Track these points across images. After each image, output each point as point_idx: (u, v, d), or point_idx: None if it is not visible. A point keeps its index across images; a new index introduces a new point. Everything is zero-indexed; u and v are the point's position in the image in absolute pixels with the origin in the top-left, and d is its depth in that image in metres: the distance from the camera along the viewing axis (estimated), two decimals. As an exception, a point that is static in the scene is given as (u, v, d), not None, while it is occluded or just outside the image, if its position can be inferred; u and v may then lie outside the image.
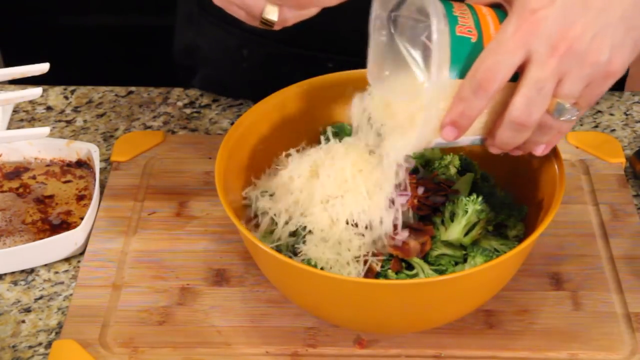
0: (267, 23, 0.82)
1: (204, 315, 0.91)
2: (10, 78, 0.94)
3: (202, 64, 1.25)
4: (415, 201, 0.88)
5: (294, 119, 0.98)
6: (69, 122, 1.16)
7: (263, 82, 1.01)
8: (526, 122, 0.78)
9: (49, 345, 0.90)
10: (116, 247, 0.98)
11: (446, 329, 0.89)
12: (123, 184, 1.05)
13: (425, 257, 0.88)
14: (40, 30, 2.04)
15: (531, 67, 0.75)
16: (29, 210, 1.02)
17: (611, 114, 1.17)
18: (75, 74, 1.37)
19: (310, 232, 0.87)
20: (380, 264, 0.85)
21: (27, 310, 0.93)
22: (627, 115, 1.17)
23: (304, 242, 0.87)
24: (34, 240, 0.97)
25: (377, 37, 0.82)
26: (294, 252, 0.88)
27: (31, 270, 0.97)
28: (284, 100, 0.97)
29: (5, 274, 0.97)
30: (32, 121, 1.16)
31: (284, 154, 0.96)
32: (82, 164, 1.08)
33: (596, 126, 1.15)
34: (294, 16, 0.82)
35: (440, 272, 0.87)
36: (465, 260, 0.87)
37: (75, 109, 1.18)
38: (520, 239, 0.90)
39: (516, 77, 0.77)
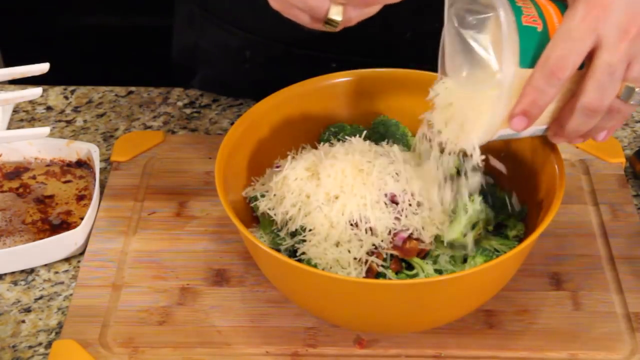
0: (331, 24, 0.81)
1: (204, 315, 0.91)
2: (10, 78, 0.94)
3: (202, 65, 1.24)
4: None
5: (294, 119, 0.98)
6: (69, 122, 1.16)
7: (265, 83, 1.01)
8: (598, 108, 0.78)
9: (49, 345, 0.90)
10: (116, 247, 0.98)
11: (446, 329, 0.89)
12: (123, 184, 1.05)
13: (425, 257, 0.88)
14: (40, 30, 2.04)
15: (602, 52, 0.76)
16: (29, 210, 1.02)
17: (611, 114, 1.16)
18: (75, 74, 1.37)
19: (310, 232, 0.87)
20: (380, 264, 0.85)
21: (27, 310, 0.93)
22: (627, 115, 1.17)
23: (304, 242, 0.87)
24: (34, 240, 0.97)
25: (448, 31, 0.82)
26: (294, 252, 0.88)
27: (31, 270, 0.97)
28: (284, 101, 0.97)
29: (5, 274, 0.97)
30: (32, 121, 1.16)
31: (284, 154, 0.96)
32: (82, 164, 1.08)
33: (596, 126, 1.15)
34: (358, 15, 0.81)
35: (440, 272, 0.87)
36: (465, 260, 0.87)
37: (75, 109, 1.18)
38: (520, 239, 0.90)
39: (581, 65, 0.78)
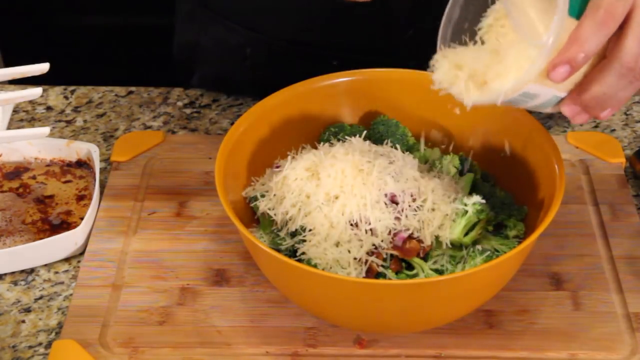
0: None
1: (204, 315, 0.91)
2: (10, 78, 0.94)
3: (202, 62, 1.24)
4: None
5: (294, 119, 0.98)
6: (69, 122, 1.16)
7: (265, 81, 1.01)
8: (635, 67, 0.78)
9: (49, 345, 0.90)
10: (116, 247, 0.98)
11: (446, 329, 0.89)
12: (123, 184, 1.05)
13: (425, 257, 0.88)
14: (40, 30, 2.04)
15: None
16: (29, 210, 1.02)
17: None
18: (75, 74, 1.37)
19: (310, 232, 0.87)
20: (380, 264, 0.85)
21: (27, 310, 0.93)
22: (627, 115, 1.17)
23: (304, 242, 0.87)
24: (34, 240, 0.97)
25: None
26: (294, 252, 0.88)
27: (31, 270, 0.97)
28: (284, 101, 0.97)
29: (5, 274, 0.97)
30: (32, 121, 1.16)
31: (284, 154, 0.96)
32: (82, 164, 1.08)
33: (596, 126, 1.15)
34: None
35: (440, 272, 0.87)
36: (465, 261, 0.87)
37: (75, 109, 1.18)
38: (520, 239, 0.90)
39: None
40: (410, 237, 0.86)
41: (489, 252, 0.86)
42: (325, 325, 0.90)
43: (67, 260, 0.98)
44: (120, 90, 1.21)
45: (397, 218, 0.86)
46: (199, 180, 1.06)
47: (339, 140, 0.96)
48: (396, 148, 0.94)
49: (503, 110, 0.96)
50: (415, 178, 0.89)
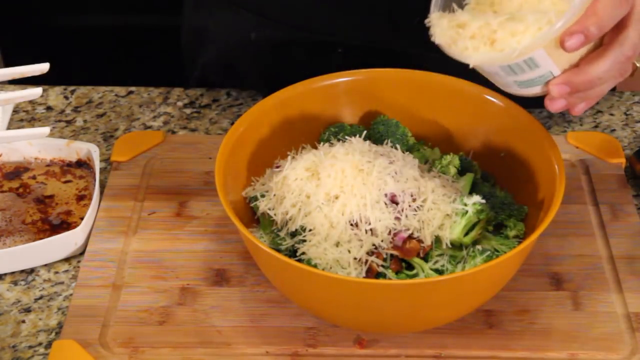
0: None
1: (204, 315, 0.91)
2: (10, 78, 0.94)
3: (208, 48, 1.24)
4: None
5: (294, 119, 0.98)
6: (69, 122, 1.16)
7: (268, 68, 1.00)
8: (632, 57, 0.81)
9: (49, 345, 0.90)
10: (116, 247, 0.98)
11: (446, 329, 0.89)
12: (123, 184, 1.05)
13: (425, 257, 0.88)
14: (40, 30, 2.04)
15: None
16: (29, 210, 1.02)
17: (611, 114, 1.17)
18: (75, 74, 1.37)
19: (310, 232, 0.87)
20: (380, 264, 0.85)
21: (27, 310, 0.93)
22: (627, 115, 1.17)
23: (304, 242, 0.87)
24: (34, 240, 0.97)
25: None
26: (294, 252, 0.88)
27: (31, 270, 0.97)
28: (284, 101, 0.97)
29: (5, 274, 0.97)
30: (32, 121, 1.16)
31: (284, 154, 0.96)
32: (82, 164, 1.08)
33: (596, 126, 1.15)
34: None
35: (440, 272, 0.87)
36: (465, 260, 0.87)
37: (75, 109, 1.18)
38: (520, 239, 0.90)
39: None
40: (410, 237, 0.86)
41: (489, 252, 0.86)
42: (325, 325, 0.90)
43: (67, 260, 0.98)
44: (120, 90, 1.21)
45: (397, 218, 0.86)
46: (199, 180, 1.06)
47: (339, 140, 0.96)
48: (396, 148, 0.94)
49: (503, 110, 0.96)
50: (415, 178, 0.89)
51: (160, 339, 0.89)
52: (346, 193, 0.87)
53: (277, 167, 0.95)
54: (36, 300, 0.94)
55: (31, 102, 1.18)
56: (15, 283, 0.96)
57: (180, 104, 1.19)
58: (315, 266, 0.84)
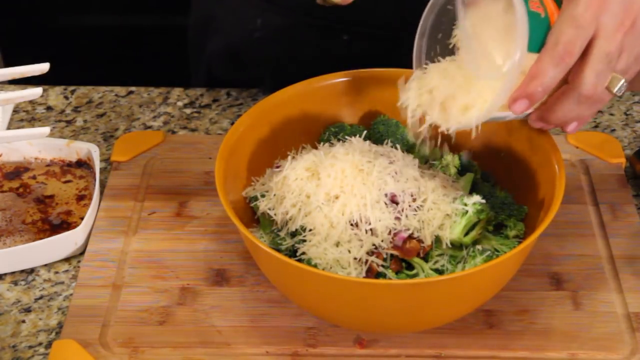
0: (328, 2, 0.83)
1: (204, 315, 0.91)
2: (10, 78, 0.94)
3: (215, 38, 1.24)
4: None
5: (294, 119, 0.98)
6: (69, 122, 1.16)
7: (274, 55, 1.00)
8: (593, 95, 0.81)
9: (49, 345, 0.90)
10: (116, 247, 0.98)
11: (446, 329, 0.89)
12: (123, 184, 1.05)
13: (425, 257, 0.88)
14: (40, 30, 2.04)
15: (600, 41, 0.79)
16: (29, 210, 1.02)
17: (611, 114, 1.17)
18: (75, 74, 1.37)
19: (310, 232, 0.87)
20: (380, 264, 0.85)
21: (27, 310, 0.93)
22: (627, 115, 1.17)
23: (304, 242, 0.87)
24: (34, 240, 0.97)
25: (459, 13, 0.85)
26: (294, 252, 0.88)
27: (31, 270, 0.97)
28: (284, 100, 0.97)
29: (5, 274, 0.97)
30: (32, 121, 1.16)
31: (284, 154, 0.96)
32: (82, 164, 1.08)
33: (596, 126, 1.15)
34: None
35: (440, 272, 0.87)
36: (465, 260, 0.87)
37: (75, 109, 1.18)
38: (520, 239, 0.90)
39: None
40: (410, 237, 0.86)
41: (489, 252, 0.86)
42: (325, 325, 0.90)
43: (67, 260, 0.98)
44: (120, 90, 1.21)
45: (397, 218, 0.86)
46: (199, 180, 1.06)
47: (339, 140, 0.96)
48: (396, 148, 0.94)
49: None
50: (415, 178, 0.89)
51: (160, 339, 0.89)
52: (346, 193, 0.87)
53: (277, 167, 0.95)
54: (36, 300, 0.94)
55: (31, 102, 1.18)
56: (15, 283, 0.96)
57: (180, 104, 1.19)
58: (315, 266, 0.84)
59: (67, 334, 0.89)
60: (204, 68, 1.26)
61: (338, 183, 0.87)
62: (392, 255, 0.86)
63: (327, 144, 0.95)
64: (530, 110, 0.85)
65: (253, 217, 0.94)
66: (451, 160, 0.96)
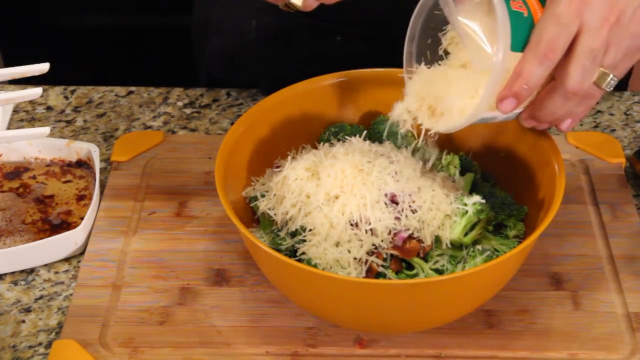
0: (290, 7, 0.84)
1: (204, 315, 0.91)
2: (10, 78, 0.94)
3: (214, 36, 1.24)
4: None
5: (294, 119, 0.98)
6: (69, 122, 1.16)
7: (270, 55, 1.00)
8: (579, 91, 0.81)
9: (49, 345, 0.90)
10: (116, 247, 0.98)
11: (446, 329, 0.89)
12: (123, 184, 1.05)
13: (425, 257, 0.88)
14: (40, 30, 2.04)
15: (584, 37, 0.79)
16: (29, 210, 1.02)
17: (611, 114, 1.17)
18: (75, 74, 1.37)
19: (310, 232, 0.87)
20: (380, 264, 0.85)
21: (27, 310, 0.93)
22: (627, 115, 1.17)
23: (304, 242, 0.87)
24: (34, 240, 0.97)
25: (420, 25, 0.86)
26: (294, 252, 0.88)
27: (31, 270, 0.97)
28: (284, 100, 0.97)
29: (5, 274, 0.97)
30: (32, 121, 1.16)
31: (284, 154, 0.96)
32: (82, 164, 1.08)
33: (596, 126, 1.15)
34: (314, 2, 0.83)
35: (440, 272, 0.87)
36: (465, 260, 0.87)
37: (75, 109, 1.18)
38: (520, 239, 0.90)
39: None
40: (410, 237, 0.86)
41: (489, 252, 0.86)
42: (325, 325, 0.90)
43: (67, 260, 0.98)
44: (120, 90, 1.21)
45: (397, 218, 0.86)
46: (199, 180, 1.06)
47: (339, 140, 0.96)
48: (396, 148, 0.94)
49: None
50: (415, 178, 0.89)
51: (160, 339, 0.89)
52: (346, 193, 0.87)
53: (277, 167, 0.95)
54: (36, 300, 0.94)
55: (31, 102, 1.18)
56: (15, 283, 0.96)
57: (180, 104, 1.19)
58: (315, 266, 0.84)
59: (67, 334, 0.89)
60: (205, 68, 1.27)
61: (338, 183, 0.87)
62: (392, 255, 0.86)
63: (327, 144, 0.95)
64: (520, 110, 0.85)
65: (253, 217, 0.94)
66: (451, 160, 0.96)
